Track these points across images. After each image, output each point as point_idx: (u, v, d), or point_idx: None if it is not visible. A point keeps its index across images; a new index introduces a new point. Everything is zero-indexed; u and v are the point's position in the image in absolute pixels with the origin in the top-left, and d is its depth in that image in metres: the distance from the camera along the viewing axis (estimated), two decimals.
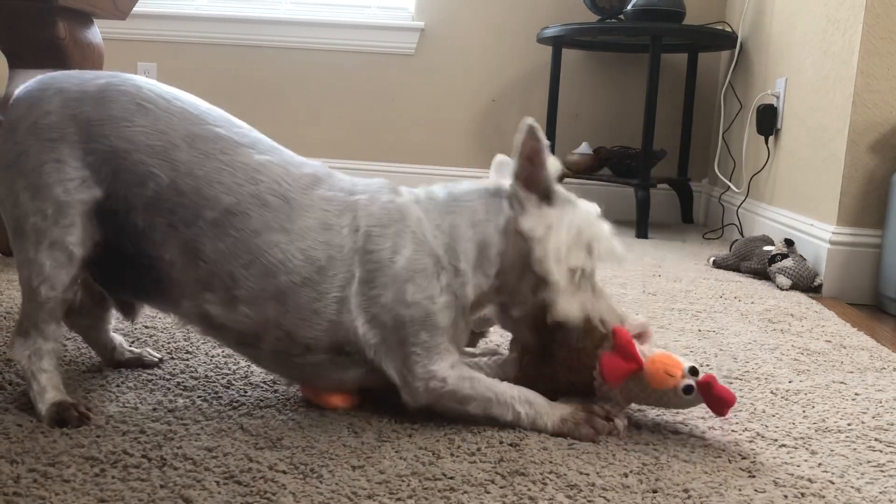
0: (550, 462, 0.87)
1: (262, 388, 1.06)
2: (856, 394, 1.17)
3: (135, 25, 3.18)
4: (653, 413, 1.03)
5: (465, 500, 0.78)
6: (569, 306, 0.97)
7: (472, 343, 1.19)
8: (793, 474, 0.88)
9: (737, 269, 2.18)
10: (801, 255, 2.02)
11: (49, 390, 0.93)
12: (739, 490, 0.83)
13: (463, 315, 0.99)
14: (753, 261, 2.11)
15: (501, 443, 0.91)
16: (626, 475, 0.85)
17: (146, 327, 1.30)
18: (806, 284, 1.94)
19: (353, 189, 0.99)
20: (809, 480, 0.87)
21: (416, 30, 3.44)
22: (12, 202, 0.94)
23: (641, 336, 1.02)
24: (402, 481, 0.81)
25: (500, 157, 1.10)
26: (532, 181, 0.99)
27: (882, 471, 0.91)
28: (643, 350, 0.98)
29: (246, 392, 1.05)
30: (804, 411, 1.09)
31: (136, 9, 1.95)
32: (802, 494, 0.83)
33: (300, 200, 0.95)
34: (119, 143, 0.93)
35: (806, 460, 0.92)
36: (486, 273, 0.99)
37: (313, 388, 1.01)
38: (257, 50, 3.52)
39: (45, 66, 1.64)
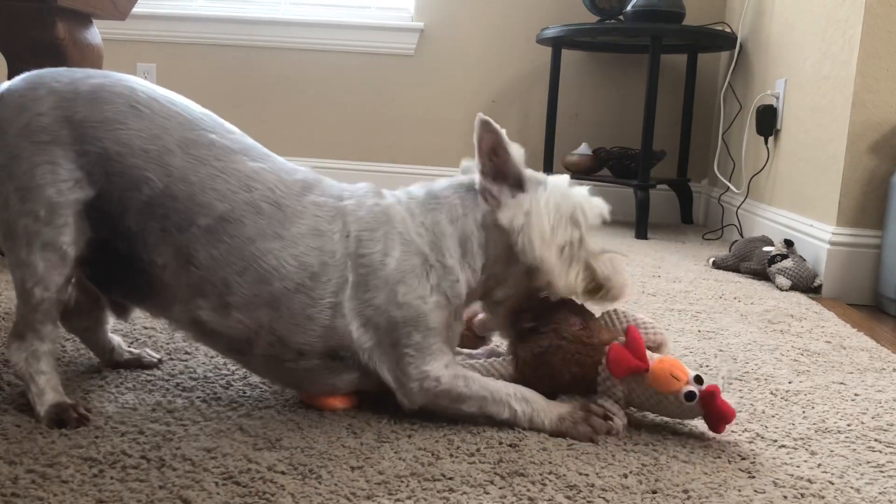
0: (550, 463, 0.87)
1: (261, 388, 1.06)
2: (855, 394, 1.17)
3: (134, 26, 3.19)
4: (652, 413, 1.03)
5: (465, 501, 0.78)
6: (566, 282, 0.99)
7: (475, 347, 1.19)
8: (792, 475, 0.88)
9: (736, 270, 2.18)
10: (800, 256, 2.02)
11: (48, 392, 0.92)
12: (739, 491, 0.83)
13: (456, 315, 1.00)
14: (753, 261, 2.11)
15: (501, 443, 0.91)
16: (625, 476, 0.85)
17: (145, 328, 1.30)
18: (805, 285, 1.94)
19: (342, 194, 1.00)
20: (809, 481, 0.87)
21: (416, 30, 3.44)
22: (2, 205, 0.92)
23: (659, 348, 1.03)
24: (402, 482, 0.81)
25: (465, 163, 1.11)
26: (500, 172, 1.00)
27: (881, 471, 0.91)
28: (653, 357, 0.97)
29: (245, 393, 1.05)
30: (804, 412, 1.08)
31: (136, 9, 1.95)
32: (802, 495, 0.83)
33: (293, 207, 0.96)
34: (112, 146, 0.92)
35: (806, 461, 0.92)
36: (472, 268, 1.00)
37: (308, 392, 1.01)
38: (257, 51, 3.52)
39: (45, 66, 1.63)
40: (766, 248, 2.10)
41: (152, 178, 0.92)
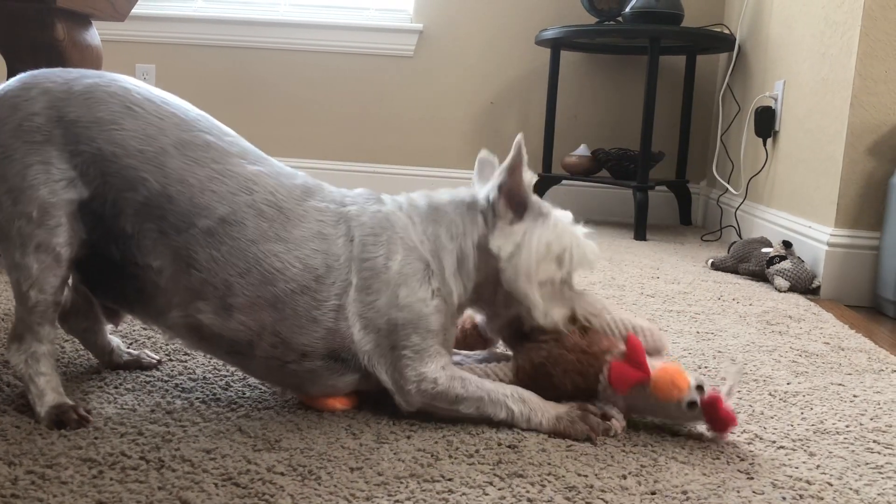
0: (549, 464, 0.87)
1: (260, 390, 1.06)
2: (854, 396, 1.17)
3: (133, 27, 3.19)
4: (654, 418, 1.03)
5: (464, 502, 0.78)
6: (545, 315, 1.01)
7: (481, 349, 1.19)
8: (791, 476, 0.88)
9: (735, 271, 2.19)
10: (799, 257, 2.03)
11: (48, 393, 0.92)
12: (738, 492, 0.83)
13: (452, 320, 1.02)
14: (752, 263, 2.11)
15: (500, 444, 0.91)
16: (624, 477, 0.85)
17: (144, 329, 1.30)
18: (804, 286, 1.94)
19: (343, 200, 1.01)
20: (808, 482, 0.87)
21: (415, 32, 3.44)
22: None
23: (659, 353, 1.04)
24: (401, 483, 0.81)
25: (483, 154, 1.12)
26: (512, 193, 1.01)
27: (880, 472, 0.91)
28: (654, 364, 0.98)
29: (244, 394, 1.05)
30: (802, 413, 1.09)
31: (135, 10, 1.95)
32: (801, 496, 0.83)
33: (295, 211, 0.96)
34: (107, 146, 0.92)
35: (804, 462, 0.92)
36: (465, 285, 1.02)
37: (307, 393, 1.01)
38: (256, 52, 3.52)
39: (44, 67, 1.63)
40: (764, 250, 2.10)
41: (149, 179, 0.92)
